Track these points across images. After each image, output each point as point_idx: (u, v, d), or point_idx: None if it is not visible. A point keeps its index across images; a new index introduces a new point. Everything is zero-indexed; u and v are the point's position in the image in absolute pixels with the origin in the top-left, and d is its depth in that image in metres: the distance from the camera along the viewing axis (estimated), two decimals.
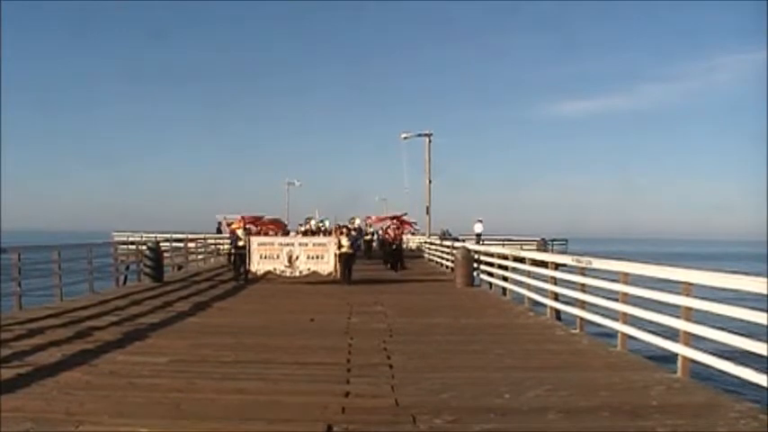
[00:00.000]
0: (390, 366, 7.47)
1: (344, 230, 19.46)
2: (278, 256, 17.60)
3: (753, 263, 44.40)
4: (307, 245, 18.12)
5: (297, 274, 17.50)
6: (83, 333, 9.49)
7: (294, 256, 17.54)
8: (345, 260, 17.70)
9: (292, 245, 18.01)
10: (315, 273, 17.48)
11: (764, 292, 5.90)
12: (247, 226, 19.24)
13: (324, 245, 18.09)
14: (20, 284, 12.17)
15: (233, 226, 19.89)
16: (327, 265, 17.56)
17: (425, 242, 34.07)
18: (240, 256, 18.05)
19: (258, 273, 17.79)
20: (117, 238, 29.95)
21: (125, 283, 18.80)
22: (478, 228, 37.99)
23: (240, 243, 18.14)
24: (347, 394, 6.23)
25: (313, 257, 17.60)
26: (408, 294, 15.82)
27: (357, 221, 29.71)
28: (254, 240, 18.10)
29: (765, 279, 5.95)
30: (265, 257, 17.62)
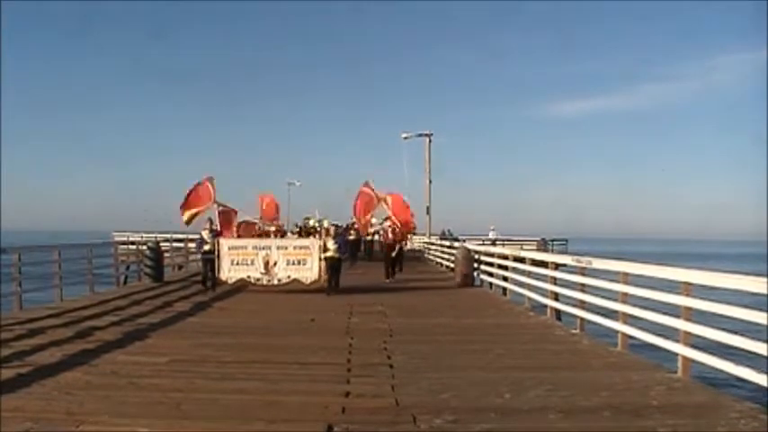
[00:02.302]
0: (391, 366, 7.47)
1: (330, 231, 16.61)
2: (252, 262, 15.39)
3: (753, 263, 44.38)
4: (286, 248, 15.69)
5: (275, 282, 15.38)
6: (83, 333, 9.49)
7: (271, 262, 15.35)
8: (331, 266, 15.29)
9: (269, 248, 15.58)
10: (296, 281, 15.41)
11: (764, 291, 5.91)
12: (214, 227, 16.35)
13: (306, 248, 15.63)
14: (20, 284, 12.18)
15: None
16: (311, 272, 15.37)
17: (425, 242, 34.09)
18: (207, 262, 15.74)
19: (230, 281, 15.52)
20: (117, 238, 29.99)
21: (125, 283, 18.81)
22: (492, 234, 39.45)
23: (207, 247, 15.74)
24: (347, 394, 6.23)
25: (294, 263, 15.42)
26: (408, 294, 15.81)
27: None
28: (224, 243, 15.68)
29: (765, 279, 5.95)
30: (237, 263, 15.39)
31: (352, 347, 8.58)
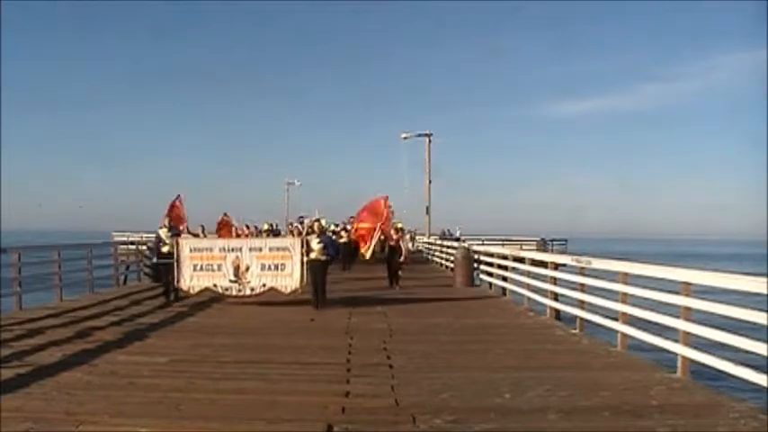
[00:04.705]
0: (390, 366, 7.47)
1: (315, 228, 14.38)
2: (219, 267, 12.79)
3: (753, 263, 44.39)
4: (261, 250, 12.97)
5: (247, 291, 12.80)
6: (83, 333, 9.49)
7: (243, 267, 12.78)
8: (315, 271, 12.73)
9: (239, 250, 12.94)
10: (273, 289, 12.86)
11: (764, 291, 5.91)
12: (173, 224, 14.40)
13: (285, 249, 12.94)
14: (20, 284, 12.18)
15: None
16: (291, 279, 12.73)
17: (425, 242, 34.10)
18: (166, 267, 13.36)
19: (192, 291, 13.02)
20: (117, 238, 30.00)
21: (125, 283, 18.80)
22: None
23: (165, 249, 13.51)
24: (347, 394, 6.23)
25: (270, 268, 12.78)
26: (408, 294, 15.79)
27: None
28: (185, 245, 13.11)
29: (765, 279, 5.96)
30: (201, 269, 12.84)
31: (351, 347, 8.58)
